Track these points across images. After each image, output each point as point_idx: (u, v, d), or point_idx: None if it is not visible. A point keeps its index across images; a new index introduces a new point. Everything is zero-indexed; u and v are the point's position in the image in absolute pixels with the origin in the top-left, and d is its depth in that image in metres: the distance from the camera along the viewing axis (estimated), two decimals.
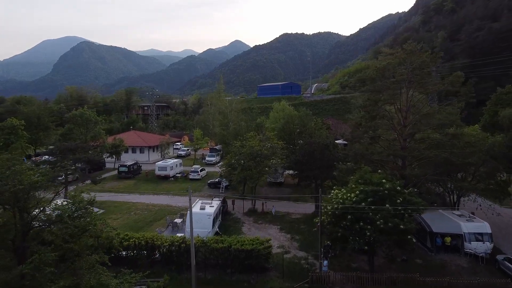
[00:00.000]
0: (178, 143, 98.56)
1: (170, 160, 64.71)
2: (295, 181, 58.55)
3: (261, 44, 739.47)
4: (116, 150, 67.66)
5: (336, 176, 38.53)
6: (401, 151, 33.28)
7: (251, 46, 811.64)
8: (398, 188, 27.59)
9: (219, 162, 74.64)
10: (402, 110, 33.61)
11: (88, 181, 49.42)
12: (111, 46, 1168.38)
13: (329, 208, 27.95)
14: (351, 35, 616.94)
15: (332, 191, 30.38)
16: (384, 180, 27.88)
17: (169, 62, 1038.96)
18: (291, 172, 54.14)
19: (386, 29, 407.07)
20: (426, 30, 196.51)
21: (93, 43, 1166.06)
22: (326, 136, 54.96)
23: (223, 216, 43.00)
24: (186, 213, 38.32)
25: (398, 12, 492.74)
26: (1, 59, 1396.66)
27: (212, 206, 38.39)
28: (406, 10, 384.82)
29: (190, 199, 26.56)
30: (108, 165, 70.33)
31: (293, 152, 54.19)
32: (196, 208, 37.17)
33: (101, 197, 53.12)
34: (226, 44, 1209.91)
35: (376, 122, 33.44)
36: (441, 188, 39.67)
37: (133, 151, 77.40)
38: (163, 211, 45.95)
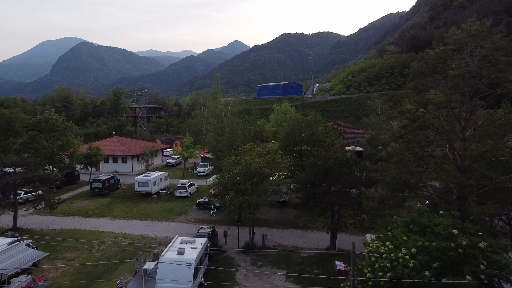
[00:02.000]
0: (169, 150, 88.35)
1: (153, 173, 54.36)
2: (301, 199, 48.42)
3: (260, 44, 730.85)
4: (91, 161, 57.56)
5: (364, 207, 28.46)
6: (461, 175, 23.27)
7: (251, 47, 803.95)
8: (481, 245, 17.37)
9: (212, 174, 64.56)
10: (461, 117, 23.58)
11: (42, 205, 39.10)
12: (110, 47, 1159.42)
13: (368, 274, 17.79)
14: (351, 34, 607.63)
15: (369, 241, 20.19)
16: (455, 231, 17.70)
17: (168, 62, 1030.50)
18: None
19: (387, 28, 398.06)
20: (434, 27, 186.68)
21: (92, 43, 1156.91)
22: (340, 146, 44.78)
23: (212, 254, 32.81)
24: (162, 253, 28.21)
25: (398, 11, 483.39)
26: (0, 60, 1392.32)
27: (194, 248, 28.08)
28: (407, 9, 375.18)
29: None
30: (83, 177, 60.23)
31: (299, 165, 44.09)
32: (172, 253, 27.06)
33: (63, 223, 43.12)
34: (226, 45, 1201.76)
35: (426, 133, 23.25)
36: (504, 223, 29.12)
37: (115, 160, 67.24)
38: (136, 246, 35.59)
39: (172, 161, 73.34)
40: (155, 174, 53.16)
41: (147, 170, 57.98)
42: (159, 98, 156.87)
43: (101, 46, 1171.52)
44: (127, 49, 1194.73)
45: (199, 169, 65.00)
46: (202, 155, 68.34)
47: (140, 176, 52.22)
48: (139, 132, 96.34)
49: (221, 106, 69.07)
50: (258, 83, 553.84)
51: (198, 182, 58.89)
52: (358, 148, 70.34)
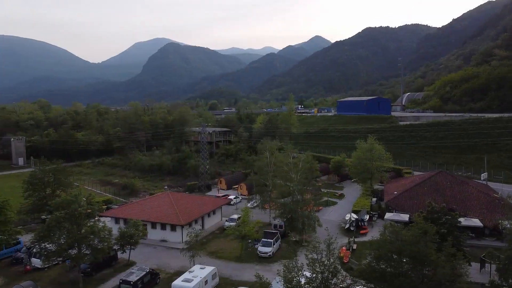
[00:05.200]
0: (232, 198, 76.33)
1: (197, 271, 42.06)
2: None
3: (342, 39, 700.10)
4: (129, 241, 47.27)
5: None
6: None
7: (332, 42, 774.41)
8: None
9: (277, 250, 50.86)
10: None
11: None
12: (194, 46, 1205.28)
13: None
14: (442, 26, 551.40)
15: None
16: None
17: (249, 60, 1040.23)
18: None
19: (487, 20, 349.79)
20: None
21: (178, 44, 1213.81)
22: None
23: None
24: None
25: None
26: (100, 61, 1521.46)
27: None
28: None
29: None
30: (121, 255, 50.12)
31: None
32: None
33: None
34: (306, 40, 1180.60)
35: None
36: None
37: (163, 227, 56.87)
38: None
39: (233, 223, 60.91)
40: (200, 275, 40.92)
41: (191, 258, 45.78)
42: (230, 120, 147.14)
43: (187, 45, 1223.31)
44: (210, 48, 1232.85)
45: (260, 248, 51.55)
46: (265, 230, 54.70)
47: (179, 282, 40.15)
48: (201, 166, 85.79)
49: (290, 166, 54.79)
50: (339, 82, 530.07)
51: (262, 268, 44.73)
52: (475, 222, 51.86)
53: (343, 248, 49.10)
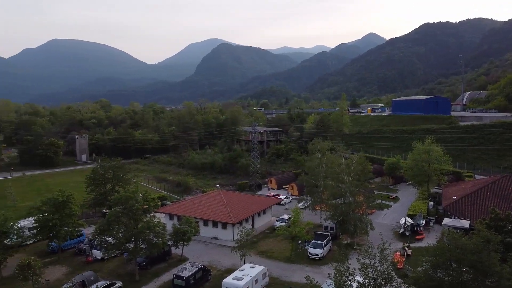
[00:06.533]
0: (282, 197, 76.19)
1: (247, 269, 42.52)
2: None
3: (397, 36, 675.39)
4: (182, 238, 48.70)
5: None
6: None
7: (387, 39, 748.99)
8: None
9: (328, 252, 50.09)
10: None
11: None
12: (246, 46, 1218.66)
13: None
14: (509, 20, 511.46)
15: None
16: None
17: (300, 59, 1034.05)
18: None
19: None
20: None
21: (230, 44, 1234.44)
22: None
23: None
24: None
25: None
26: (156, 62, 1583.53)
27: None
28: None
29: None
30: (174, 251, 51.76)
31: None
32: None
33: None
34: (359, 38, 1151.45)
35: None
36: None
37: (215, 225, 58.01)
38: None
39: (283, 223, 60.84)
40: (250, 274, 41.35)
41: (242, 256, 46.32)
42: (281, 120, 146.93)
43: (239, 45, 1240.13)
44: (262, 48, 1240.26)
45: (310, 249, 51.04)
46: (315, 232, 54.02)
47: (230, 280, 40.80)
48: (252, 166, 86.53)
49: (342, 167, 53.70)
50: (394, 80, 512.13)
51: (313, 270, 44.36)
52: None
53: (397, 253, 47.39)
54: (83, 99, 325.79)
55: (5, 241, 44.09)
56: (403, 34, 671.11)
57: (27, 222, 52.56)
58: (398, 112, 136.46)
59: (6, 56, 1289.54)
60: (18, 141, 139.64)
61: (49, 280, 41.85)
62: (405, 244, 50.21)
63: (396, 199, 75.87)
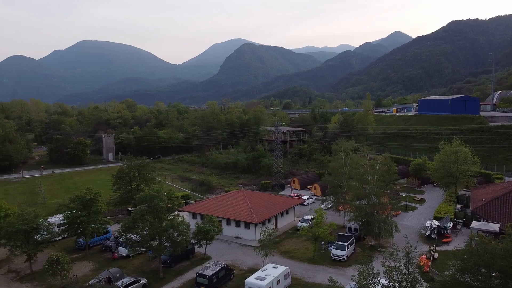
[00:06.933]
0: (305, 198, 75.76)
1: (270, 269, 42.51)
2: None
3: (424, 34, 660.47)
4: (205, 237, 49.10)
5: None
6: None
7: (413, 37, 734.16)
8: None
9: (351, 254, 49.42)
10: None
11: None
12: (269, 46, 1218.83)
13: None
14: None
15: None
16: None
17: (324, 58, 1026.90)
18: None
19: None
20: None
21: (253, 44, 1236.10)
22: None
23: None
24: None
25: None
26: (180, 63, 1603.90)
27: None
28: None
29: None
30: (198, 249, 52.16)
31: None
32: None
33: None
34: (385, 36, 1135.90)
35: None
36: None
37: (237, 224, 58.29)
38: None
39: (305, 224, 60.55)
40: (272, 274, 41.28)
41: (264, 256, 46.35)
42: (304, 120, 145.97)
43: (262, 45, 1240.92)
44: (285, 47, 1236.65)
45: (334, 251, 50.52)
46: (339, 233, 53.38)
47: (253, 280, 40.84)
48: (275, 166, 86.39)
49: (366, 168, 52.97)
50: (420, 79, 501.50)
51: (337, 273, 43.99)
52: None
53: (423, 256, 46.39)
54: (109, 99, 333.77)
55: (35, 237, 45.48)
56: (430, 32, 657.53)
57: (56, 219, 54.05)
58: (425, 112, 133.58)
59: (37, 58, 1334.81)
60: (48, 140, 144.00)
61: (76, 275, 42.93)
62: (432, 247, 49.10)
63: (422, 201, 74.27)
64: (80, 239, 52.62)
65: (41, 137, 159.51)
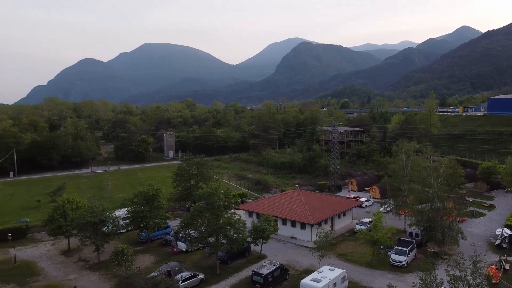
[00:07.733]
0: (363, 200, 73.67)
1: (326, 271, 41.92)
2: None
3: (495, 29, 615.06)
4: (261, 235, 49.51)
5: None
6: None
7: (482, 32, 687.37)
8: None
9: (412, 260, 47.30)
10: None
11: None
12: (326, 44, 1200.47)
13: None
14: None
15: None
16: None
17: (384, 56, 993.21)
18: None
19: None
20: None
21: (310, 42, 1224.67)
22: None
23: None
24: None
25: None
26: (237, 63, 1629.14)
27: None
28: None
29: None
30: (253, 248, 52.67)
31: None
32: None
33: None
34: (450, 32, 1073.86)
35: None
36: None
37: (293, 224, 58.10)
38: None
39: (363, 227, 58.92)
40: (328, 277, 40.58)
41: (320, 258, 45.78)
42: (362, 120, 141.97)
43: (319, 44, 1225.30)
44: (343, 45, 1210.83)
45: (393, 256, 48.66)
46: (398, 238, 51.32)
47: (308, 281, 40.48)
48: (332, 166, 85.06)
49: (429, 171, 50.48)
50: (491, 76, 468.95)
51: (396, 279, 41.76)
52: None
53: (492, 266, 43.30)
54: (170, 99, 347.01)
55: (103, 229, 48.46)
56: (501, 26, 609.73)
57: (121, 213, 57.18)
58: (495, 111, 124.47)
59: (105, 60, 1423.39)
60: (114, 138, 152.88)
61: (139, 267, 45.12)
62: (502, 257, 45.68)
63: (491, 207, 69.40)
64: (143, 233, 55.28)
65: (108, 135, 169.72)
